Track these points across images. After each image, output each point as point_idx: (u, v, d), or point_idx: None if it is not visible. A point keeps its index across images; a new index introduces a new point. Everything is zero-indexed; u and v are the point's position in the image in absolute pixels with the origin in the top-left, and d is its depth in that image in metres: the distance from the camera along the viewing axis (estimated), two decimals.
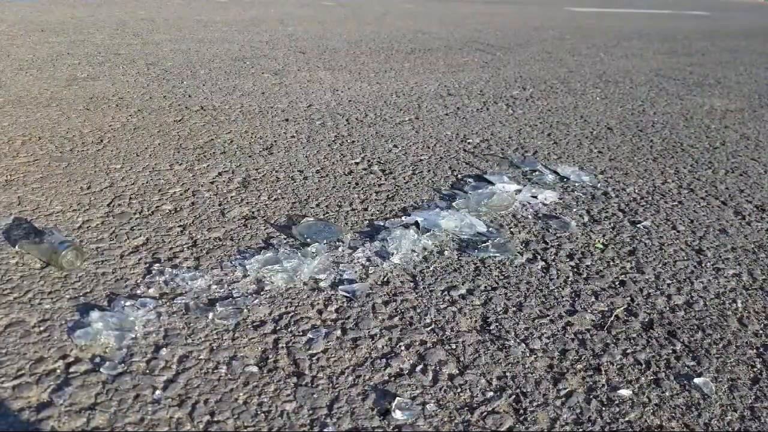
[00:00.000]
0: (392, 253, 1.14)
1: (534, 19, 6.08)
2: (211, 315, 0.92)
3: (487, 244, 1.20)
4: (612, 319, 1.00)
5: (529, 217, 1.36)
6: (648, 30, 5.67)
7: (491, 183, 1.52)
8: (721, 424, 0.79)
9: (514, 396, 0.81)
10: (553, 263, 1.17)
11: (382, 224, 1.27)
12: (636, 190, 1.57)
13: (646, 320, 1.01)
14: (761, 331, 1.00)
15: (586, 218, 1.38)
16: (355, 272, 1.07)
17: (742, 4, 11.75)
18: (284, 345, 0.88)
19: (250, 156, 1.63)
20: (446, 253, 1.17)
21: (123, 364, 0.81)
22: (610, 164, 1.76)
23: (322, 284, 1.03)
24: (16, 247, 1.04)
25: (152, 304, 0.94)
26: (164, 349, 0.85)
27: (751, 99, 2.81)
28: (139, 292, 0.97)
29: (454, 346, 0.90)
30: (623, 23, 6.25)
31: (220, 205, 1.31)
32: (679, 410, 0.81)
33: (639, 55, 3.98)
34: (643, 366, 0.89)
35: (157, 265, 1.05)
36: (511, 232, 1.28)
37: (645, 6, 9.48)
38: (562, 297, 1.05)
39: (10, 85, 2.18)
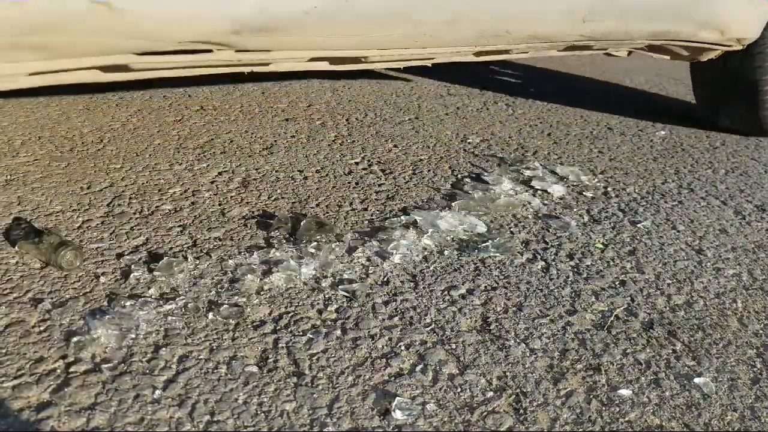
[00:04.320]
0: (392, 253, 1.14)
1: None
2: (211, 315, 0.92)
3: (487, 244, 1.20)
4: (612, 318, 1.00)
5: (529, 217, 1.36)
6: None
7: (491, 183, 1.52)
8: (721, 423, 0.79)
9: (514, 396, 0.81)
10: (553, 263, 1.17)
11: (382, 224, 1.27)
12: (636, 190, 1.57)
13: (647, 320, 1.01)
14: (761, 331, 1.00)
15: (586, 218, 1.38)
16: (355, 272, 1.07)
17: None
18: (284, 345, 0.88)
19: (250, 156, 1.63)
20: (446, 253, 1.17)
21: (123, 364, 0.81)
22: (610, 164, 1.76)
23: (322, 284, 1.03)
24: (16, 247, 1.04)
25: (152, 304, 0.94)
26: (164, 349, 0.85)
27: None
28: (139, 292, 0.97)
29: (454, 346, 0.90)
30: None
31: (220, 205, 1.31)
32: (679, 410, 0.81)
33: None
34: (643, 366, 0.89)
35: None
36: (511, 232, 1.28)
37: None
38: (562, 297, 1.06)
39: None
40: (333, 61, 1.38)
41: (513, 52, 1.63)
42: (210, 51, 1.11)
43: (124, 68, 1.09)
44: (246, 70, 1.31)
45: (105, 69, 1.10)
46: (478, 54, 1.58)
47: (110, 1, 0.87)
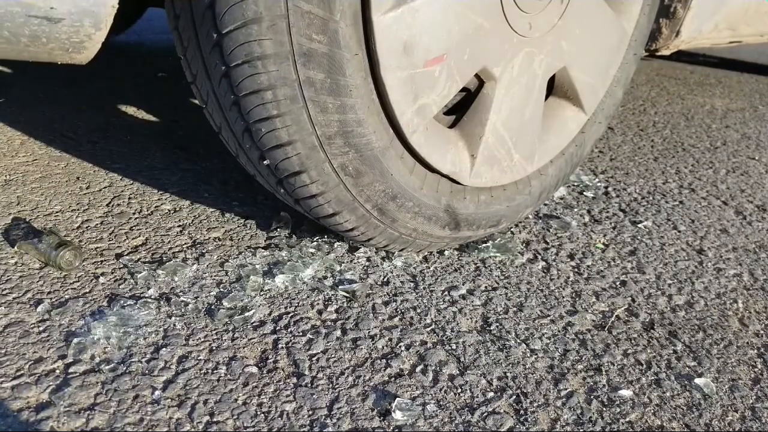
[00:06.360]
0: (393, 253, 1.14)
1: None
2: (211, 315, 0.92)
3: (488, 244, 1.20)
4: (613, 319, 1.00)
5: (530, 217, 1.36)
6: None
7: None
8: (722, 424, 0.79)
9: (514, 396, 0.81)
10: (554, 263, 1.16)
11: None
12: (637, 190, 1.57)
13: (647, 320, 1.01)
14: (762, 332, 1.00)
15: (587, 218, 1.38)
16: (355, 272, 1.07)
17: None
18: (284, 345, 0.87)
19: None
20: (446, 253, 1.16)
21: (123, 364, 0.81)
22: (610, 164, 1.76)
23: (322, 284, 1.03)
24: (15, 247, 1.04)
25: (152, 304, 0.93)
26: (164, 349, 0.84)
27: (752, 98, 2.81)
28: (138, 292, 0.97)
29: (454, 347, 0.90)
30: None
31: (219, 204, 1.31)
32: (680, 410, 0.81)
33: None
34: (644, 366, 0.89)
35: None
36: (512, 232, 1.27)
37: None
38: (563, 297, 1.05)
39: (10, 84, 2.18)
40: None
41: None
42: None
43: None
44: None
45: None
46: None
47: None
